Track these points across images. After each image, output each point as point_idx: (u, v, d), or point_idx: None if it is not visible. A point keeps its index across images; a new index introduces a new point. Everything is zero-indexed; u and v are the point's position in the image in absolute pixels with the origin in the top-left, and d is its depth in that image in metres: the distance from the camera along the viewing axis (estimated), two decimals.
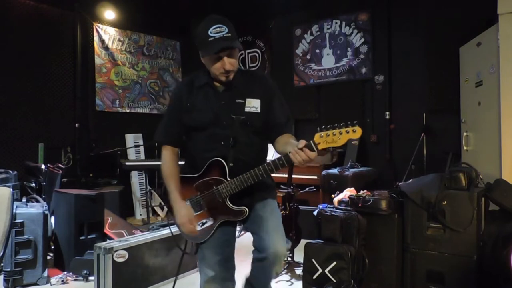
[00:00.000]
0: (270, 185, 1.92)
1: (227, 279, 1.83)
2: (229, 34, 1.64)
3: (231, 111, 1.73)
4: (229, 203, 1.73)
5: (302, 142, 1.54)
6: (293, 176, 3.72)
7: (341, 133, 1.51)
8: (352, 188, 3.20)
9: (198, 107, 1.78)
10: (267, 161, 1.69)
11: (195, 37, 1.72)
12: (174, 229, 1.95)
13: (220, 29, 1.62)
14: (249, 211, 1.75)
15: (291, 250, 3.57)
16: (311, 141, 1.54)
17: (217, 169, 1.74)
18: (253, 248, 1.83)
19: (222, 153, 1.74)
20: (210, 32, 1.62)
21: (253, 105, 1.75)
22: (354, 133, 1.52)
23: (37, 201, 4.02)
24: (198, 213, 1.80)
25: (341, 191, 3.18)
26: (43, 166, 4.43)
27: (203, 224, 1.79)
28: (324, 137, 1.53)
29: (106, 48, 5.91)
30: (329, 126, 1.53)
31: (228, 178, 1.71)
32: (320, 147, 1.54)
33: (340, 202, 3.05)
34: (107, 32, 5.93)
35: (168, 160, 1.86)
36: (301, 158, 1.53)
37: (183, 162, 1.96)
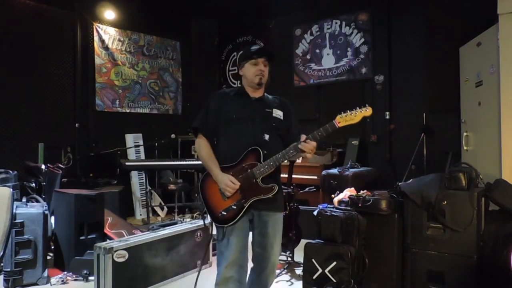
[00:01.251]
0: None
1: (243, 267, 2.08)
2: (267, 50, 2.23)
3: (262, 116, 2.16)
4: (261, 183, 2.04)
5: (303, 136, 2.01)
6: (293, 176, 3.72)
7: (356, 113, 1.96)
8: (352, 188, 3.19)
9: (236, 109, 2.14)
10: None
11: (239, 58, 2.21)
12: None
13: (259, 46, 2.17)
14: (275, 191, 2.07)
15: (291, 250, 3.58)
16: (334, 121, 1.96)
17: (252, 156, 2.07)
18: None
19: (257, 145, 2.09)
20: (252, 48, 2.18)
21: (278, 113, 2.20)
22: (367, 111, 1.95)
23: (37, 201, 4.03)
24: (233, 195, 2.05)
25: (341, 191, 3.18)
26: (43, 166, 4.43)
27: (236, 205, 2.04)
28: (343, 117, 1.96)
29: (106, 48, 5.91)
30: (347, 110, 1.96)
31: (262, 162, 2.05)
32: (340, 125, 1.97)
33: (340, 202, 3.05)
34: (107, 32, 5.93)
35: (205, 145, 2.17)
36: (311, 146, 1.97)
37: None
